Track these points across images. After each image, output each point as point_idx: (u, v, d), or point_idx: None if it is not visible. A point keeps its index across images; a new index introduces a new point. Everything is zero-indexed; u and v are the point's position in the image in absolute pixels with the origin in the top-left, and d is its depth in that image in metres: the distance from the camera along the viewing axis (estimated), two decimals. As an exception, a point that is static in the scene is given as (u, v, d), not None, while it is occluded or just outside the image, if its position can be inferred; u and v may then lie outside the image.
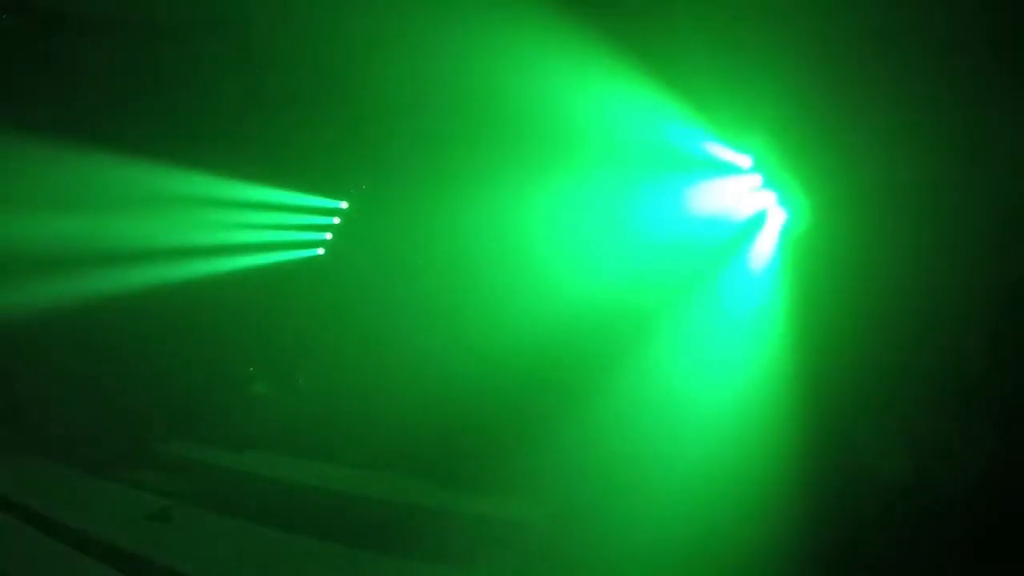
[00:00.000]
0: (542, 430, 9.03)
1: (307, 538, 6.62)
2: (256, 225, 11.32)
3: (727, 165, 8.84)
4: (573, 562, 7.20)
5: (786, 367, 8.96)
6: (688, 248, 9.41)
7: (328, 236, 11.28)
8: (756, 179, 8.76)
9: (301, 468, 8.46)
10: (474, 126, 9.03)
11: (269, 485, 7.97)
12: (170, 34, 6.44)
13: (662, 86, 7.92)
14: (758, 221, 9.04)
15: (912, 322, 8.16)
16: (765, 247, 9.09)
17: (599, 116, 8.35)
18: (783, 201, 8.79)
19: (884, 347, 8.40)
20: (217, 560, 5.85)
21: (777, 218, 8.91)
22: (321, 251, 11.38)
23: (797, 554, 7.54)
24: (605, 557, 7.48)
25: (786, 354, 8.85)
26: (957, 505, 7.32)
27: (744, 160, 8.64)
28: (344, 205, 11.01)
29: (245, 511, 7.22)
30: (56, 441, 8.40)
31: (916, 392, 8.13)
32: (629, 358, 9.53)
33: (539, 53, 7.72)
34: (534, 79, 7.98)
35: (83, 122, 9.42)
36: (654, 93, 7.99)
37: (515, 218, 9.89)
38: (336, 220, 11.23)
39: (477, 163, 9.45)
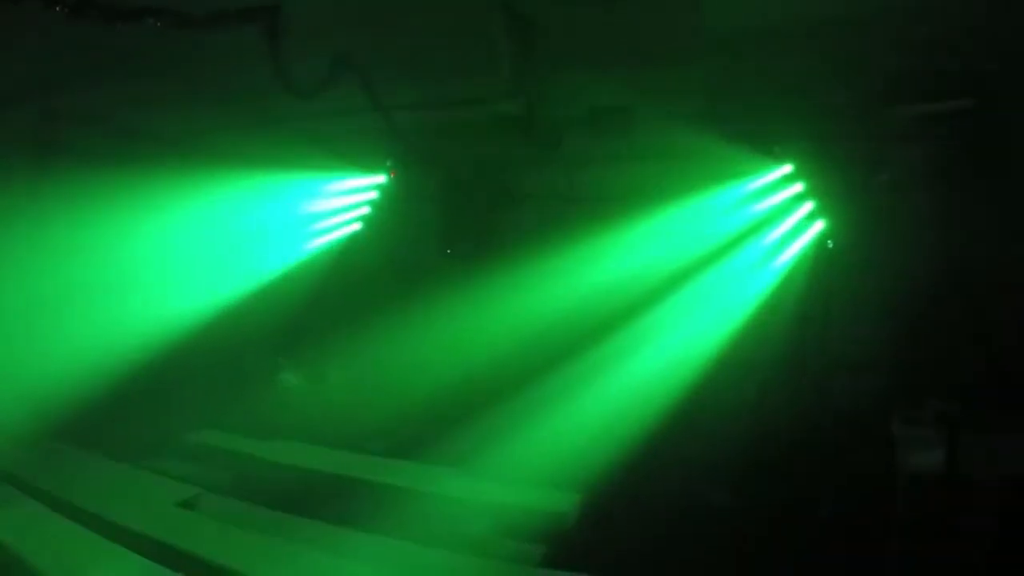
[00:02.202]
0: (571, 421, 9.06)
1: (335, 527, 6.59)
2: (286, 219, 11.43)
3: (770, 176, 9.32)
4: (603, 551, 7.18)
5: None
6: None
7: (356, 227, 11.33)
8: (797, 188, 9.24)
9: (330, 457, 8.46)
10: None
11: (297, 474, 7.97)
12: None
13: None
14: (798, 227, 9.49)
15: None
16: (801, 248, 9.55)
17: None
18: (820, 210, 9.16)
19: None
20: (245, 548, 5.83)
21: (815, 225, 9.37)
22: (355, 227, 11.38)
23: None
24: (634, 547, 7.47)
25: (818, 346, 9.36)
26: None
27: (785, 169, 9.12)
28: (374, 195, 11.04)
29: (274, 500, 7.20)
30: (86, 429, 8.40)
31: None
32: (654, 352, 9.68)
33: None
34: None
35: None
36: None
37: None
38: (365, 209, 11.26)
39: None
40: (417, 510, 7.09)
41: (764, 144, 8.71)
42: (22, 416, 8.05)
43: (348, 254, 11.53)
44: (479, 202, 11.07)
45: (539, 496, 7.28)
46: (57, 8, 5.33)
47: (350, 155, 10.36)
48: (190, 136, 10.56)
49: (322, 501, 7.25)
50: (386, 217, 11.10)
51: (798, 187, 9.09)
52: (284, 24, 6.56)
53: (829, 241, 9.18)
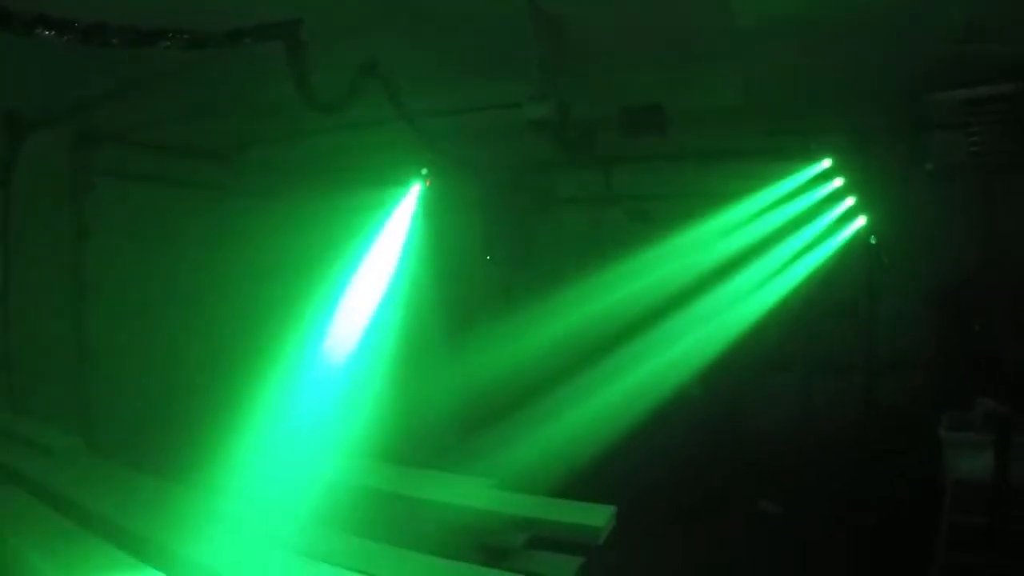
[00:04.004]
0: (609, 426, 8.97)
1: (365, 540, 6.52)
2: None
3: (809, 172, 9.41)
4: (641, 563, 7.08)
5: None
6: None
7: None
8: (837, 183, 9.37)
9: (364, 468, 8.42)
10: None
11: (330, 485, 7.94)
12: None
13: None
14: (839, 223, 9.63)
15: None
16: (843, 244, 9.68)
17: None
18: (862, 205, 9.30)
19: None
20: (268, 563, 5.80)
21: (857, 220, 9.52)
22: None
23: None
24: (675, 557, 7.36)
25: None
26: None
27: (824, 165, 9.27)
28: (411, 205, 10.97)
29: (306, 511, 7.17)
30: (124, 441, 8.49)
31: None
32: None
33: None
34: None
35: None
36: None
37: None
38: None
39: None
40: (451, 523, 7.02)
41: (802, 139, 8.56)
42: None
43: (387, 263, 11.49)
44: (516, 206, 11.01)
45: (573, 509, 7.14)
46: (66, 36, 5.34)
47: (385, 165, 10.34)
48: (232, 151, 10.67)
49: (354, 513, 7.21)
50: (424, 226, 11.07)
51: (838, 182, 8.94)
52: (306, 36, 6.49)
53: (872, 237, 8.99)
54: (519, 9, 6.66)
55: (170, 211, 9.98)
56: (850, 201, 9.10)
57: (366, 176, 10.59)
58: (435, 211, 10.85)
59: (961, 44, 6.78)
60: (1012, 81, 7.35)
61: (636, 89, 8.38)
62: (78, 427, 8.37)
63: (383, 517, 7.11)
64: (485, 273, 11.22)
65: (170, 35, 5.93)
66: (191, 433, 8.71)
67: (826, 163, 8.90)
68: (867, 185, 8.90)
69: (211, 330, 10.29)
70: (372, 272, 11.38)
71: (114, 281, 9.21)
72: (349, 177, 10.67)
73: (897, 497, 8.10)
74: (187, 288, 10.05)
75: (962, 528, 7.19)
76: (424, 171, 10.39)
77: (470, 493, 7.54)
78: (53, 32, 5.36)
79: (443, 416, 10.25)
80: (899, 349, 9.22)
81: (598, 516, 6.84)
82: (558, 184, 11.06)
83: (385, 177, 10.58)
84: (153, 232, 9.68)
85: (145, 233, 9.59)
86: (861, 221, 9.11)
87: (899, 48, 7.02)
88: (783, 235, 9.63)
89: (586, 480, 8.06)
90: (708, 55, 7.47)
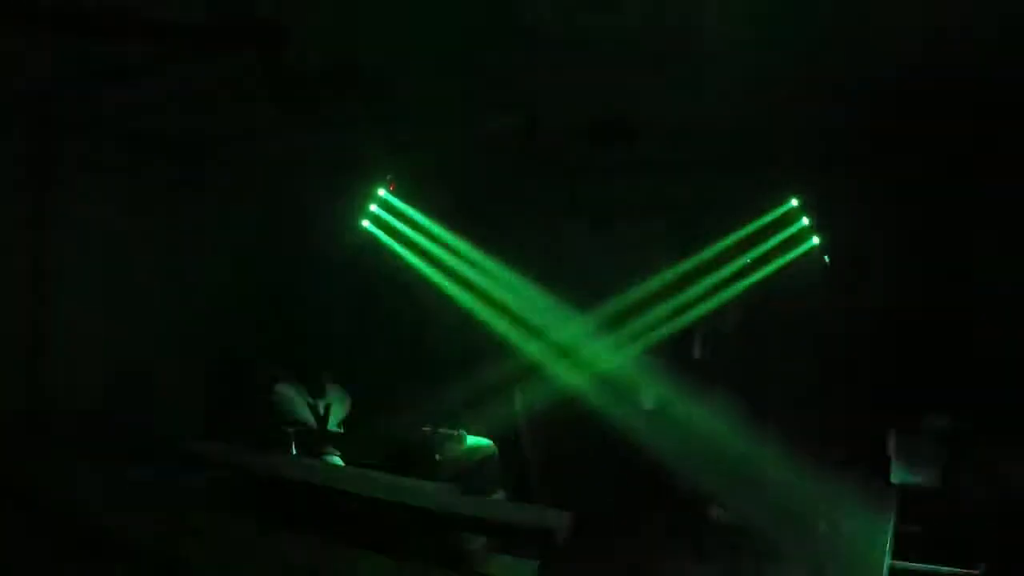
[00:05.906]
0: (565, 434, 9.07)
1: (322, 541, 6.54)
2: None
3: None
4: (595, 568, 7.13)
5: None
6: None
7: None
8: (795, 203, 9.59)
9: (322, 469, 8.42)
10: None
11: (289, 485, 7.92)
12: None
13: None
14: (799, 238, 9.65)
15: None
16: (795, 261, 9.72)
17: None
18: (817, 225, 9.46)
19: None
20: (229, 561, 5.79)
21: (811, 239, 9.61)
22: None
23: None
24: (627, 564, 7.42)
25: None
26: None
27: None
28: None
29: (263, 511, 7.16)
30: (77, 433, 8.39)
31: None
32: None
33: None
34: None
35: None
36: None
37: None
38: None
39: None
40: (407, 525, 7.02)
41: (765, 156, 8.73)
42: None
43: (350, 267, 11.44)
44: (478, 214, 10.99)
45: (529, 513, 7.21)
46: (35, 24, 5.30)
47: (349, 167, 10.28)
48: (201, 146, 10.57)
49: (312, 513, 7.19)
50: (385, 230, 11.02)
51: (795, 201, 9.22)
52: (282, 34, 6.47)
53: (825, 256, 9.22)
54: (490, 15, 6.71)
55: (134, 204, 9.85)
56: (805, 220, 9.33)
57: (335, 176, 10.56)
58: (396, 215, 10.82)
59: (921, 70, 6.96)
60: (971, 108, 7.54)
61: (606, 100, 8.45)
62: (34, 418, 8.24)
63: (341, 517, 7.09)
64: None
65: (145, 26, 5.91)
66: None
67: (786, 182, 9.11)
68: (823, 203, 9.11)
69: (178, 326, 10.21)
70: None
71: (74, 272, 9.08)
72: (319, 177, 10.66)
73: (844, 506, 8.21)
74: (151, 282, 9.94)
75: (912, 538, 7.34)
76: (388, 176, 10.36)
77: (427, 495, 7.56)
78: (24, 19, 5.34)
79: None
80: (848, 364, 9.40)
81: (554, 520, 6.92)
82: (522, 192, 11.09)
83: (354, 178, 10.53)
84: (116, 225, 9.55)
85: (109, 225, 9.46)
86: (815, 239, 9.33)
87: (857, 70, 7.17)
88: (738, 249, 9.82)
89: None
90: (679, 68, 7.55)
